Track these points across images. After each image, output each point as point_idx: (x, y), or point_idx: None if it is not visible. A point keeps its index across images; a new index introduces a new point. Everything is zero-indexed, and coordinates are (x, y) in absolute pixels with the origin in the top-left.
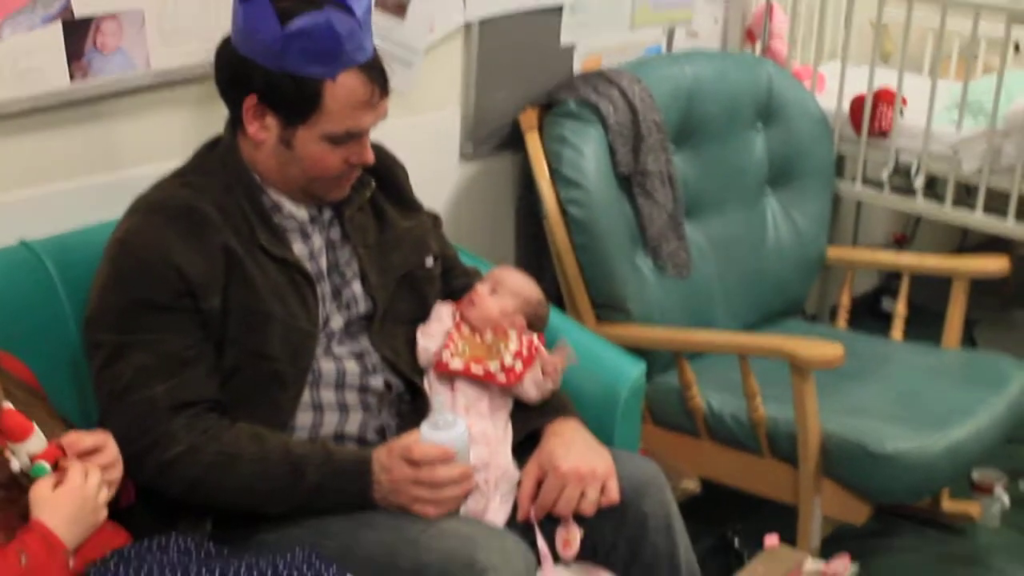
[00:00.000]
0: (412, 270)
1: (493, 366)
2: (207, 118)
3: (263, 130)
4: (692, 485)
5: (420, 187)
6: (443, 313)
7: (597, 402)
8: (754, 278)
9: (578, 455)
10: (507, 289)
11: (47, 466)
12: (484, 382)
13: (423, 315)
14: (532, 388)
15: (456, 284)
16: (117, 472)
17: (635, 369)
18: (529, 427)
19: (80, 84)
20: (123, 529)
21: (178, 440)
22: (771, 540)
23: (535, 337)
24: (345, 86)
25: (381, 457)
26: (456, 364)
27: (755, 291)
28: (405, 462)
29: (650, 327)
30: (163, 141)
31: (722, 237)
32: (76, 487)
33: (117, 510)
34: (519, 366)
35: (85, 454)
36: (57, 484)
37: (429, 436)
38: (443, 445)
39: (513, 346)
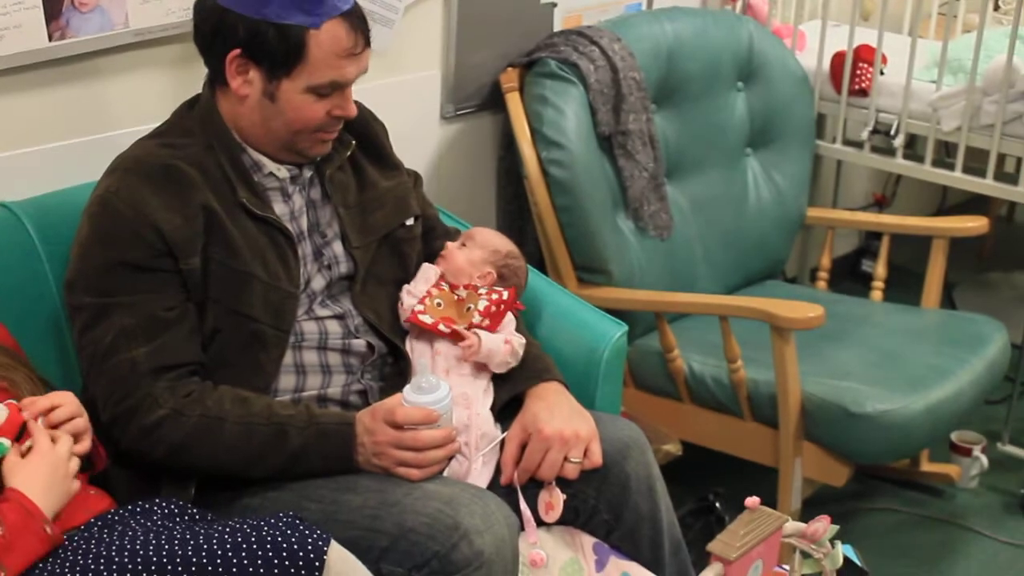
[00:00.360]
0: (393, 230)
1: (460, 326)
2: (186, 77)
3: (246, 85)
4: (674, 448)
5: (401, 148)
6: (430, 273)
7: (578, 365)
8: (735, 239)
9: (561, 418)
10: (475, 242)
11: (6, 443)
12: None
13: (405, 276)
14: (495, 351)
15: (436, 245)
16: (86, 439)
17: (616, 331)
18: (513, 390)
19: (58, 43)
20: (107, 494)
21: (161, 403)
22: (752, 502)
23: (505, 293)
24: (329, 34)
25: (364, 420)
26: (426, 319)
27: (736, 252)
28: (388, 425)
29: (631, 289)
30: (143, 101)
31: (703, 198)
32: (45, 451)
33: (95, 476)
34: (485, 323)
35: (47, 415)
36: (26, 452)
37: (412, 399)
38: (427, 408)
39: (482, 304)
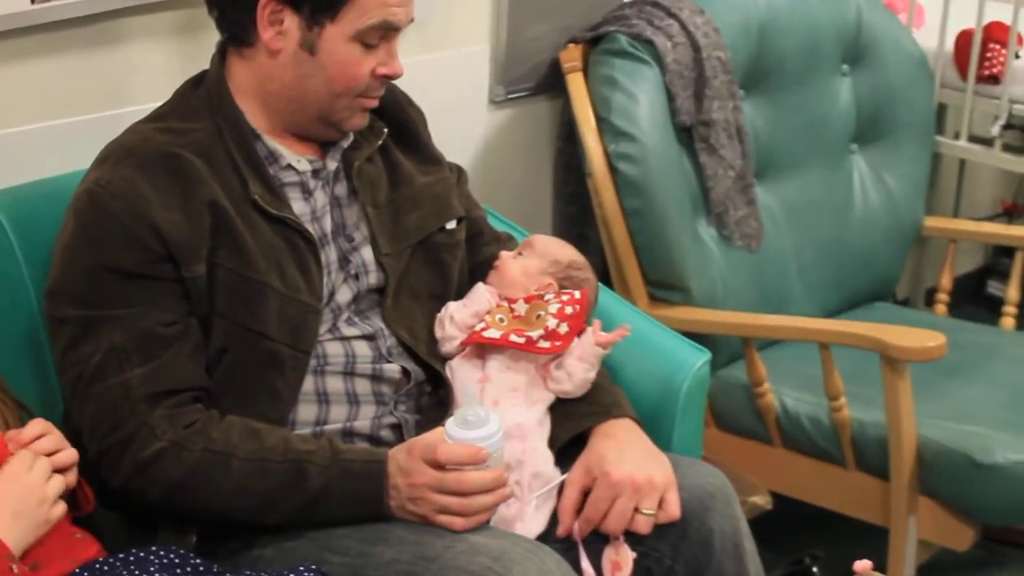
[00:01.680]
0: (431, 235)
1: (535, 333)
2: (192, 49)
3: (279, 37)
4: (762, 500)
5: (442, 137)
6: (483, 303)
7: (652, 399)
8: (837, 253)
9: (633, 461)
10: (533, 251)
11: None
12: (522, 360)
13: (444, 290)
14: (577, 367)
15: (484, 253)
16: (72, 474)
17: (697, 359)
18: (576, 428)
19: (42, 6)
20: (94, 539)
21: (158, 435)
22: (862, 567)
23: (578, 293)
24: None
25: (399, 458)
26: (492, 333)
27: (838, 268)
28: (428, 464)
29: (713, 310)
30: (140, 76)
31: (799, 203)
32: (17, 473)
33: (80, 518)
34: (564, 328)
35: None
36: None
37: (457, 434)
38: (474, 445)
39: (553, 307)
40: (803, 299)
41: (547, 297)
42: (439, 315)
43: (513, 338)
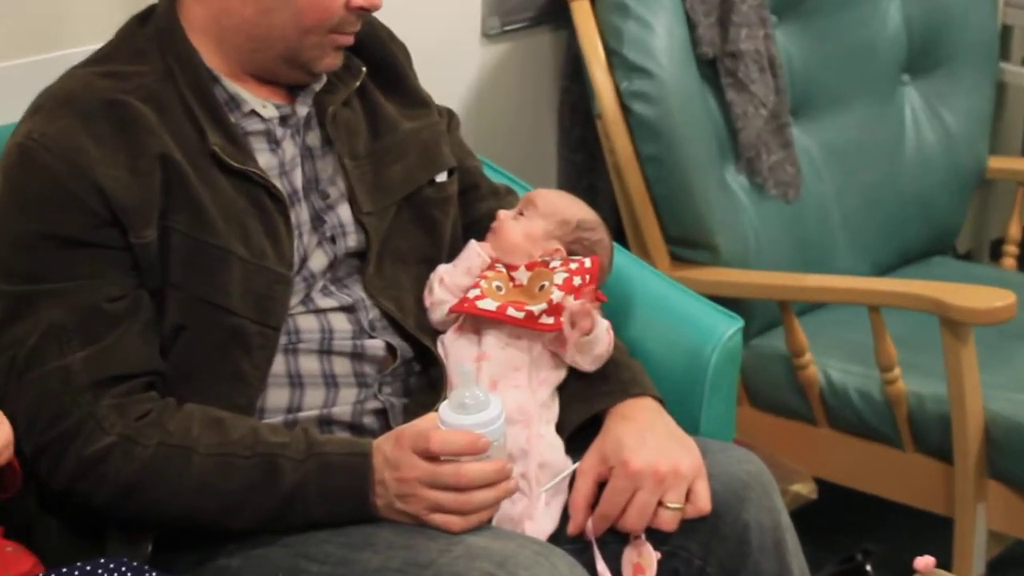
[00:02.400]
0: (419, 188)
1: (536, 307)
2: None
3: None
4: (805, 489)
5: (429, 77)
6: (475, 261)
7: (676, 374)
8: (887, 201)
9: (655, 447)
10: (537, 210)
11: None
12: (524, 336)
13: (435, 252)
14: (600, 338)
15: (480, 208)
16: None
17: (728, 327)
18: (589, 409)
19: None
20: (28, 552)
21: (105, 428)
22: (924, 564)
23: (587, 260)
24: None
25: (386, 449)
26: (488, 304)
27: (888, 219)
28: (419, 455)
29: (745, 270)
30: (77, 13)
31: (842, 144)
32: None
33: (10, 528)
34: (570, 301)
35: None
36: None
37: (452, 420)
38: (472, 431)
39: (559, 277)
40: (848, 255)
41: (552, 264)
42: (430, 282)
43: (511, 312)
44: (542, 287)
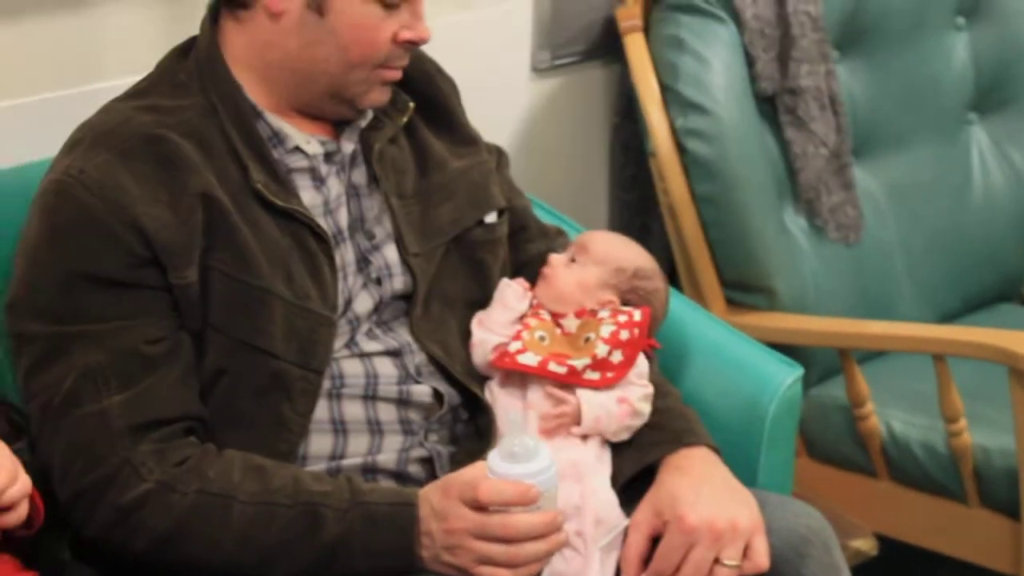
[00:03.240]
0: (467, 230)
1: (580, 362)
2: (178, 12)
3: None
4: (866, 545)
5: (477, 113)
6: (509, 294)
7: (733, 424)
8: (953, 245)
9: (712, 501)
10: (590, 256)
11: None
12: (568, 386)
13: (483, 295)
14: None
15: (530, 250)
16: (22, 507)
17: (788, 375)
18: (642, 460)
19: None
20: None
21: (143, 475)
22: None
23: (637, 313)
24: None
25: (433, 499)
26: (528, 360)
27: (954, 264)
28: (467, 506)
29: (804, 316)
30: (117, 46)
31: (906, 185)
32: None
33: (26, 548)
34: (617, 356)
35: None
36: None
37: (501, 469)
38: (522, 482)
39: (606, 330)
40: (912, 301)
41: (600, 315)
42: (472, 327)
43: (553, 367)
44: (587, 339)
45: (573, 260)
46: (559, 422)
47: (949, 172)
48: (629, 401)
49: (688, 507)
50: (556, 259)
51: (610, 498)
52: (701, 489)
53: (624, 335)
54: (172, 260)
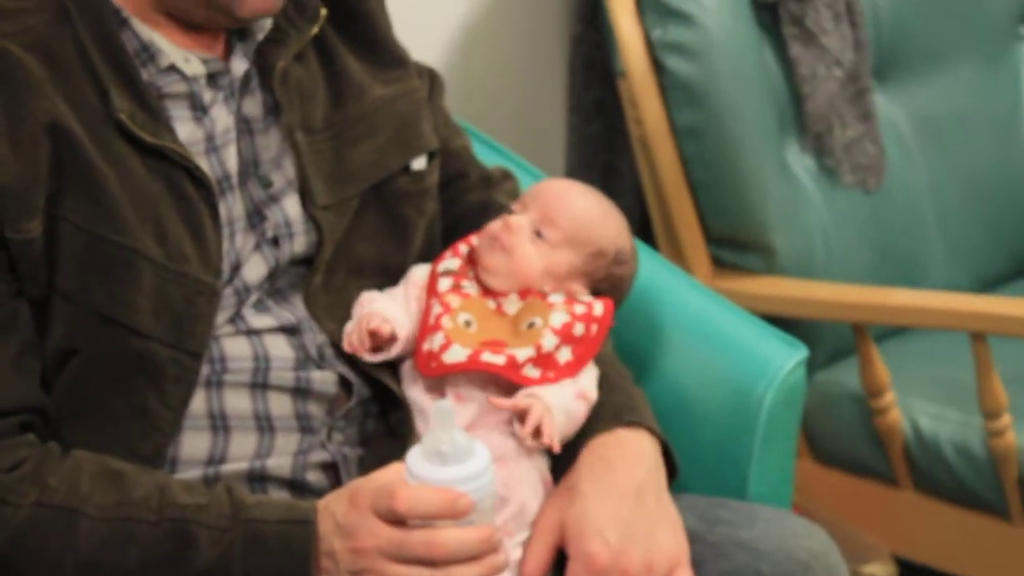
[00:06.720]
0: (390, 177)
1: (522, 352)
2: None
3: None
4: (883, 571)
5: (406, 26)
6: (415, 279)
7: (718, 417)
8: (998, 193)
9: (629, 527)
10: (561, 231)
11: None
12: (504, 381)
13: (401, 260)
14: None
15: (468, 201)
16: None
17: (787, 358)
18: (577, 442)
19: None
20: None
21: None
22: None
23: (598, 304)
24: None
25: (336, 511)
26: (456, 354)
27: (999, 217)
28: (381, 518)
29: (810, 281)
30: None
31: (941, 118)
32: None
33: None
34: (565, 355)
35: None
36: None
37: (425, 473)
38: (451, 488)
39: (557, 319)
40: (945, 264)
41: (552, 299)
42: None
43: (487, 358)
44: (531, 324)
45: (539, 234)
46: (528, 425)
47: (994, 101)
48: (586, 395)
49: (594, 540)
50: (517, 224)
51: (537, 487)
52: (620, 506)
53: (578, 329)
54: (9, 207)
